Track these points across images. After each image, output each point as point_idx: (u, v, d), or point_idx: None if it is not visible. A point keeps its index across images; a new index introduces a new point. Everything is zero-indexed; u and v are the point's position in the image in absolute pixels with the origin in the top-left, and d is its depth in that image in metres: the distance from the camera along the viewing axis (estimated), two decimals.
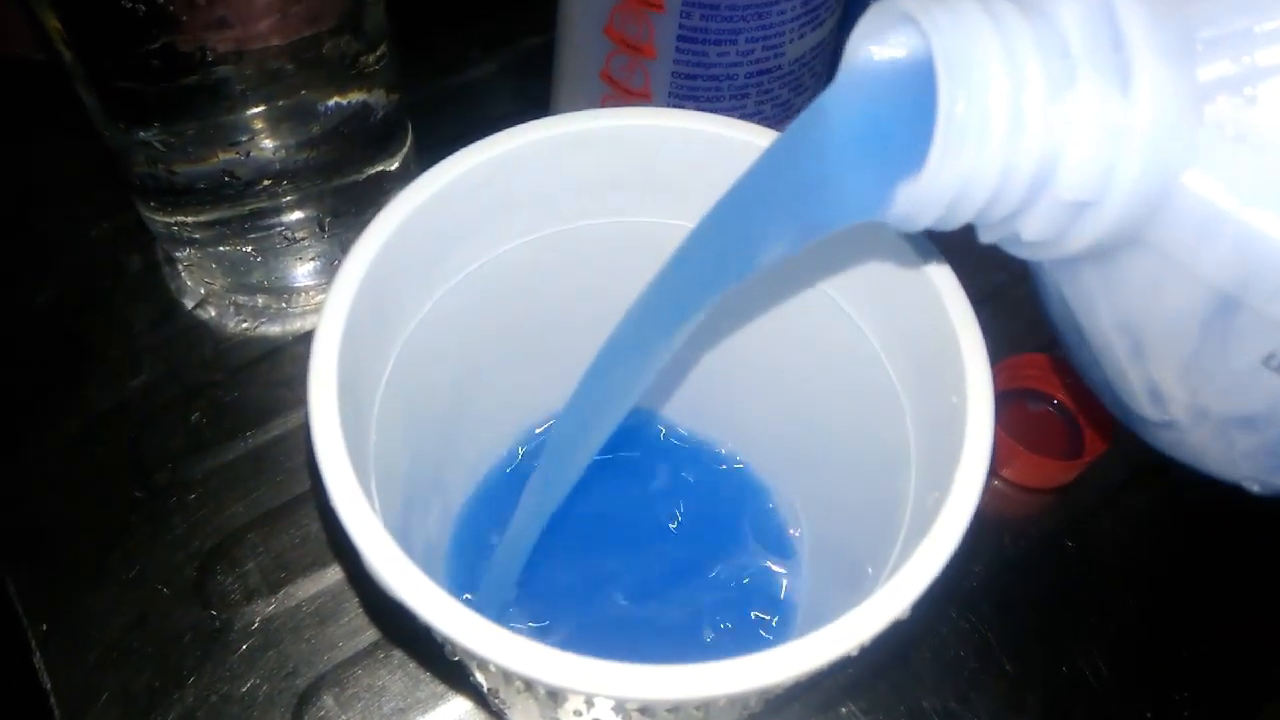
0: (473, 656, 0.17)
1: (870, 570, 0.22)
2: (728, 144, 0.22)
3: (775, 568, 0.27)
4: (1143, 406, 0.18)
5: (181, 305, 0.35)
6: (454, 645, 0.17)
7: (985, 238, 0.17)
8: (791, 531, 0.28)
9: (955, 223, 0.16)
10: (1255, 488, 0.18)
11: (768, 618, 0.27)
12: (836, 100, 0.17)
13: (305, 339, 0.35)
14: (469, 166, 0.21)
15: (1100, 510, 0.33)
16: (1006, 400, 0.34)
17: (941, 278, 0.21)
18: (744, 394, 0.28)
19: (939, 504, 0.18)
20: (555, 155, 0.22)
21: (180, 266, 0.36)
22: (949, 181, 0.15)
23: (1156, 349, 0.16)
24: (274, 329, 0.35)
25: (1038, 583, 0.32)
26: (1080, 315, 0.17)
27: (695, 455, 0.29)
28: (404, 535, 0.24)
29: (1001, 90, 0.14)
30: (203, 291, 0.36)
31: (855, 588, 0.22)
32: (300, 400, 0.34)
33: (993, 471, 0.33)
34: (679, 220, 0.25)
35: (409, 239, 0.21)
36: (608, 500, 0.28)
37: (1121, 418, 0.19)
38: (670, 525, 0.28)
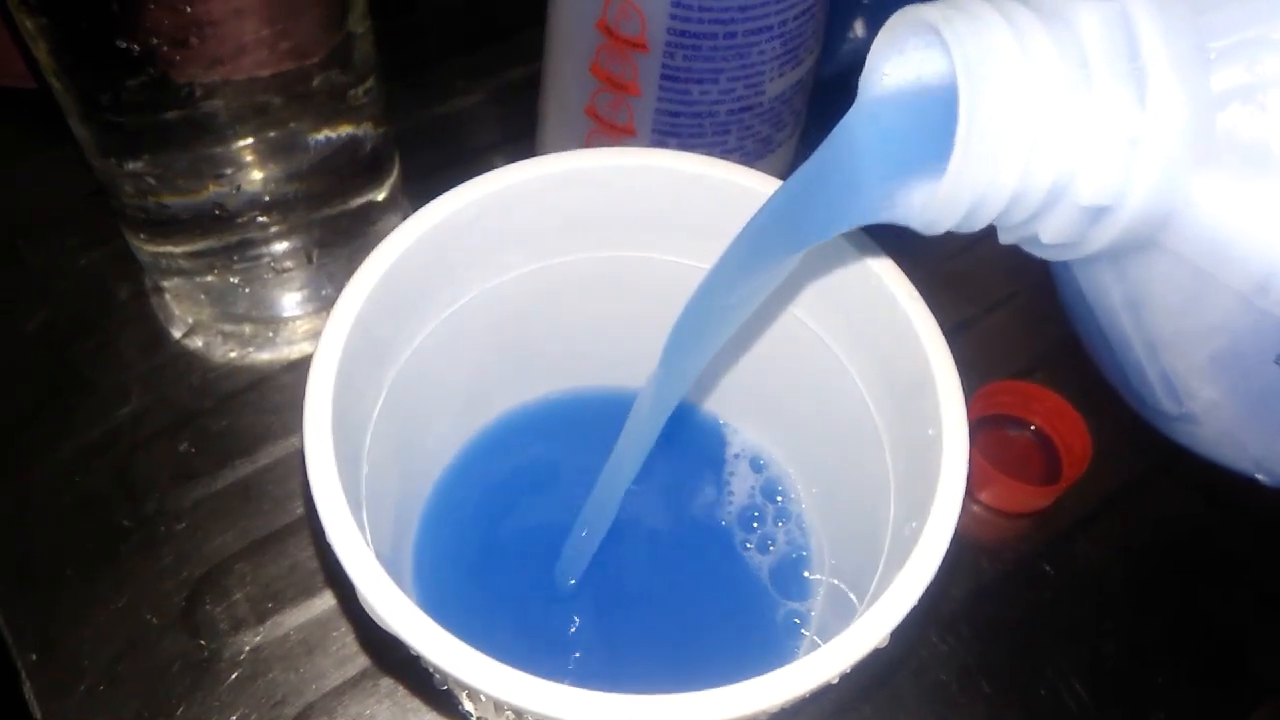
0: (464, 686, 0.17)
1: (853, 596, 0.22)
2: (711, 182, 0.23)
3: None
4: (1160, 401, 0.18)
5: (170, 334, 0.36)
6: (446, 676, 0.18)
7: (1005, 239, 0.17)
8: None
9: (976, 225, 0.16)
10: (1266, 479, 0.19)
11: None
12: (860, 112, 0.17)
13: (293, 368, 0.36)
14: (461, 204, 0.22)
15: (1077, 535, 0.34)
16: (985, 426, 0.35)
17: (917, 314, 0.21)
18: (733, 420, 0.29)
19: (916, 533, 0.19)
20: (544, 193, 0.23)
21: (168, 296, 0.36)
22: (969, 188, 0.15)
23: (1172, 347, 0.17)
24: (262, 358, 0.36)
25: (1016, 606, 0.32)
26: (1099, 312, 0.18)
27: None
28: (394, 563, 0.24)
29: (1020, 100, 0.14)
30: (191, 321, 0.36)
31: (841, 614, 0.22)
32: (288, 429, 0.34)
33: (971, 496, 0.33)
34: (665, 255, 0.25)
35: (401, 276, 0.22)
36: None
37: (1138, 409, 0.20)
38: (663, 551, 0.28)
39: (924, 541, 0.19)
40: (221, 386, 0.35)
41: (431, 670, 0.21)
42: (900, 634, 0.28)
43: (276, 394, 0.35)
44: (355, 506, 0.19)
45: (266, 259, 0.34)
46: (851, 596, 0.22)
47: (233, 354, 0.36)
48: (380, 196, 0.36)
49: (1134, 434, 0.36)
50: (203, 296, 0.35)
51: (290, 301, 0.36)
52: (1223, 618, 0.33)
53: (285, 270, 0.35)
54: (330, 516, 0.18)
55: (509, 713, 0.19)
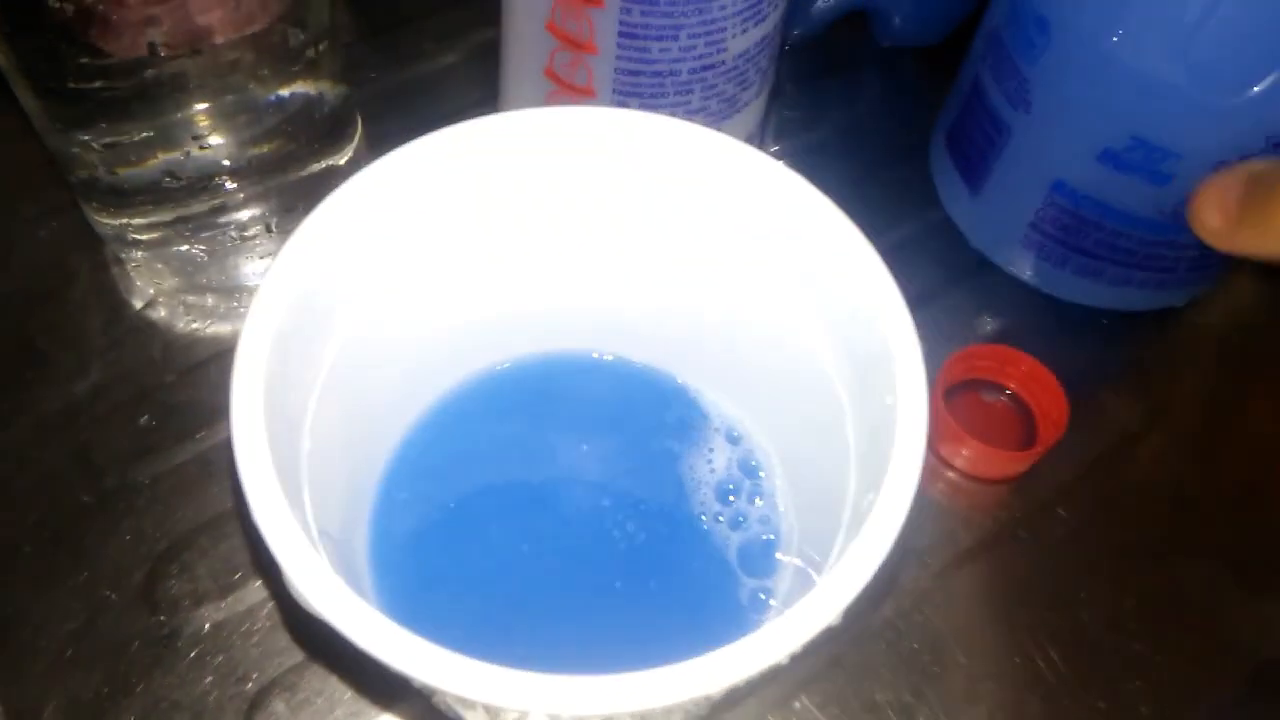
0: (400, 675, 0.17)
1: (818, 567, 0.22)
2: (667, 140, 0.22)
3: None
4: None
5: (130, 306, 0.35)
6: (382, 665, 0.17)
7: None
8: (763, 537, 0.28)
9: None
10: None
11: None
12: None
13: None
14: (406, 165, 0.21)
15: (1054, 501, 0.33)
16: (961, 391, 0.34)
17: (878, 280, 0.20)
18: (703, 387, 0.28)
19: (871, 507, 0.18)
20: (496, 152, 0.22)
21: (128, 267, 0.35)
22: None
23: None
24: (224, 329, 0.35)
25: (991, 574, 0.32)
26: None
27: None
28: (346, 543, 0.24)
29: None
30: (151, 292, 0.35)
31: (807, 583, 0.22)
32: None
33: (945, 463, 0.33)
34: (631, 218, 0.24)
35: (343, 239, 0.21)
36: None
37: None
38: (626, 528, 0.28)
39: (878, 513, 0.18)
40: (183, 358, 0.34)
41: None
42: (873, 603, 0.28)
43: None
44: (292, 483, 0.19)
45: (228, 227, 0.33)
46: (814, 575, 0.22)
47: (194, 325, 0.35)
48: (342, 161, 0.35)
49: (1111, 398, 0.36)
50: (163, 267, 0.34)
51: (253, 271, 0.35)
52: (1201, 586, 0.32)
53: (247, 239, 0.34)
54: (257, 494, 0.17)
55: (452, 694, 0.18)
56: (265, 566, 0.30)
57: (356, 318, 0.23)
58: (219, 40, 0.28)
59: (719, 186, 0.23)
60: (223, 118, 0.31)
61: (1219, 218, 0.25)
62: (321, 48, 0.31)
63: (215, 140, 0.31)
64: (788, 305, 0.24)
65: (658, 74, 0.28)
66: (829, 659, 0.30)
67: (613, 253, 0.25)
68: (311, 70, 0.31)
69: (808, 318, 0.23)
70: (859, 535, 0.18)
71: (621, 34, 0.27)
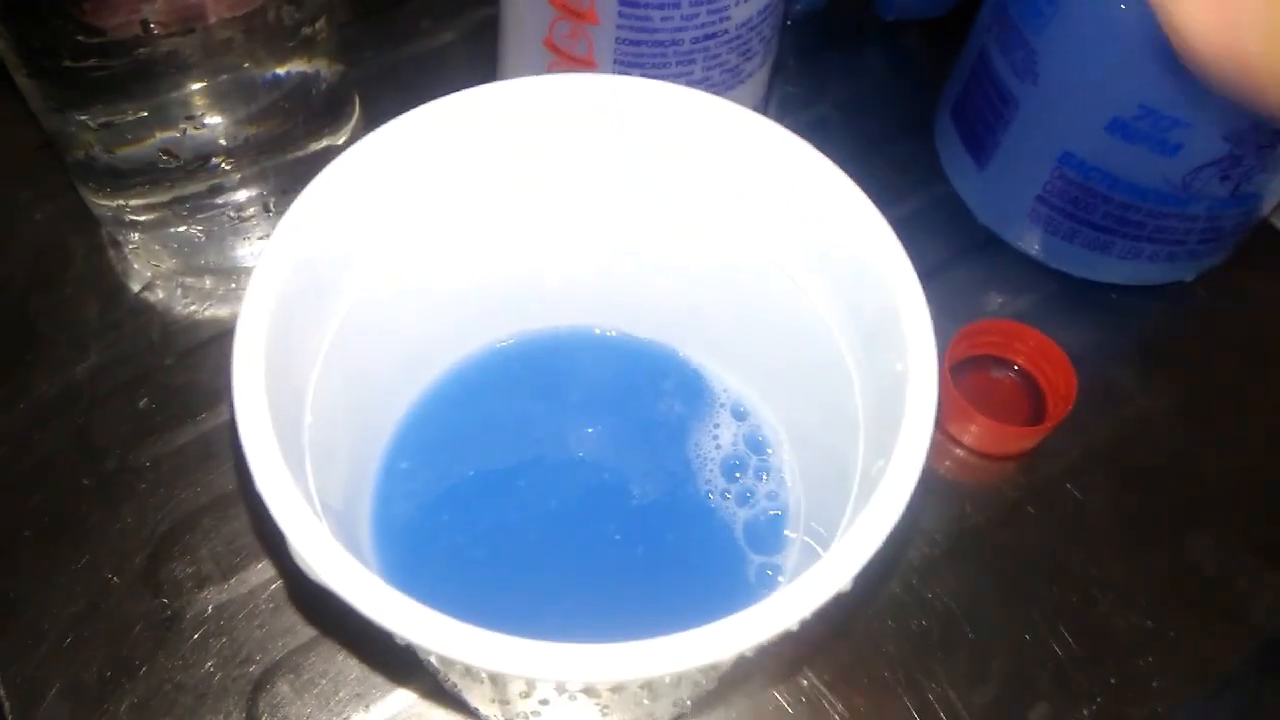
0: (408, 644, 0.17)
1: (827, 537, 0.21)
2: (673, 107, 0.22)
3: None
4: None
5: (128, 289, 0.35)
6: (390, 635, 0.17)
7: None
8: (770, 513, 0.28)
9: None
10: None
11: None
12: None
13: None
14: (413, 129, 0.21)
15: (1063, 477, 0.33)
16: (968, 367, 0.34)
17: (885, 247, 0.20)
18: (708, 362, 0.28)
19: (882, 473, 0.18)
20: (496, 121, 0.22)
21: (126, 249, 0.35)
22: None
23: None
24: (223, 311, 0.35)
25: (1000, 550, 0.32)
26: None
27: None
28: (349, 516, 0.24)
29: None
30: (149, 274, 0.35)
31: (813, 558, 0.22)
32: None
33: (954, 440, 0.33)
34: (635, 188, 0.24)
35: (345, 208, 0.20)
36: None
37: None
38: (632, 504, 0.28)
39: (889, 478, 0.18)
40: (181, 340, 0.34)
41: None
42: (882, 579, 0.27)
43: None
44: (294, 456, 0.18)
45: (225, 208, 0.33)
46: (822, 545, 0.21)
47: (193, 307, 0.35)
48: (340, 141, 0.34)
49: (1120, 373, 0.35)
50: (161, 249, 0.34)
51: (251, 252, 0.34)
52: (1209, 561, 0.32)
53: (245, 220, 0.34)
54: (261, 467, 0.17)
55: (459, 666, 0.18)
56: (269, 547, 0.30)
57: (358, 290, 0.22)
58: (213, 18, 0.28)
59: (721, 152, 0.22)
60: (219, 96, 0.30)
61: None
62: (318, 25, 0.31)
63: (212, 119, 0.30)
64: (793, 273, 0.23)
65: (659, 43, 0.28)
66: (837, 635, 0.30)
67: (615, 222, 0.25)
68: (307, 48, 0.31)
69: (813, 285, 0.23)
70: (870, 502, 0.17)
71: (623, 2, 0.27)
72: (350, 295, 0.22)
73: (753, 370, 0.27)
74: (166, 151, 0.30)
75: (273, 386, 0.18)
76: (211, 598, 0.30)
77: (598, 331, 0.28)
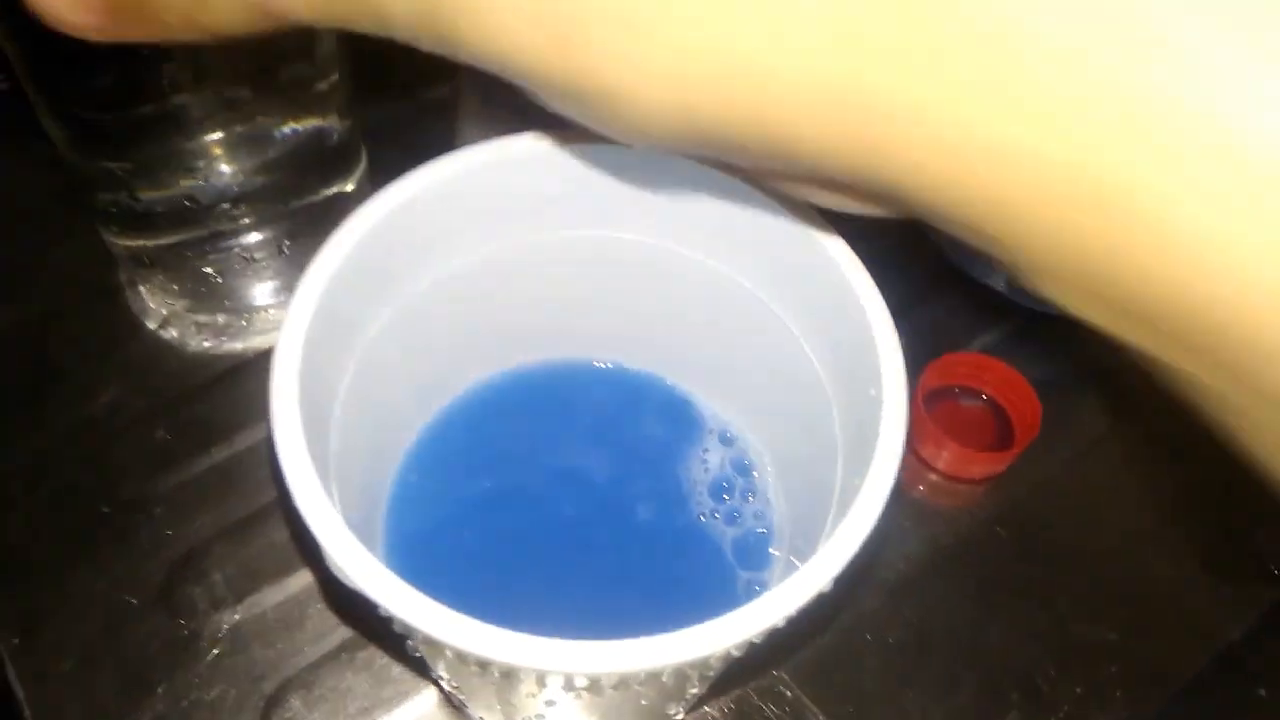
0: (431, 641, 0.18)
1: (808, 553, 0.23)
2: (667, 163, 0.24)
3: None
4: None
5: (144, 325, 0.36)
6: (414, 632, 0.19)
7: None
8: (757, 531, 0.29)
9: None
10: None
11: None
12: None
13: (267, 356, 0.36)
14: (425, 184, 0.23)
15: (1029, 499, 0.35)
16: (939, 397, 0.36)
17: (859, 282, 0.22)
18: (696, 391, 0.30)
19: (858, 488, 0.20)
20: (507, 174, 0.24)
21: (142, 288, 0.37)
22: None
23: None
24: (236, 346, 0.36)
25: (971, 567, 0.34)
26: None
27: None
28: (365, 537, 0.25)
29: None
30: (165, 312, 0.37)
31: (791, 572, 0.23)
32: (263, 415, 0.35)
33: (927, 465, 0.35)
34: (624, 234, 0.26)
35: (366, 255, 0.22)
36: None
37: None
38: (626, 523, 0.29)
39: (866, 490, 0.19)
40: (196, 375, 0.36)
41: (401, 632, 0.22)
42: (860, 598, 0.29)
43: (250, 381, 0.36)
44: (324, 478, 0.20)
45: (238, 250, 0.35)
46: (803, 560, 0.23)
47: (207, 344, 0.36)
48: (349, 188, 0.36)
49: (1082, 401, 0.38)
50: (176, 288, 0.36)
51: (263, 291, 0.36)
52: (1169, 576, 0.34)
53: (257, 261, 0.35)
54: (299, 486, 0.19)
55: (474, 666, 0.20)
56: (280, 571, 0.32)
57: (377, 327, 0.24)
58: (234, 72, 0.30)
59: (706, 199, 0.25)
60: (234, 147, 0.32)
61: (89, 13, 0.17)
62: (331, 82, 0.33)
63: (228, 168, 0.32)
64: (777, 309, 0.25)
65: None
66: (818, 647, 0.31)
67: (610, 262, 0.27)
68: (321, 104, 0.33)
69: (795, 319, 0.25)
70: (848, 513, 0.19)
71: None
72: (370, 331, 0.24)
73: (739, 398, 0.29)
74: (186, 197, 0.32)
75: (305, 415, 0.20)
76: (226, 619, 0.31)
77: (595, 363, 0.30)
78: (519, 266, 0.27)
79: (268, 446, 0.34)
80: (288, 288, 0.37)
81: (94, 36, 0.18)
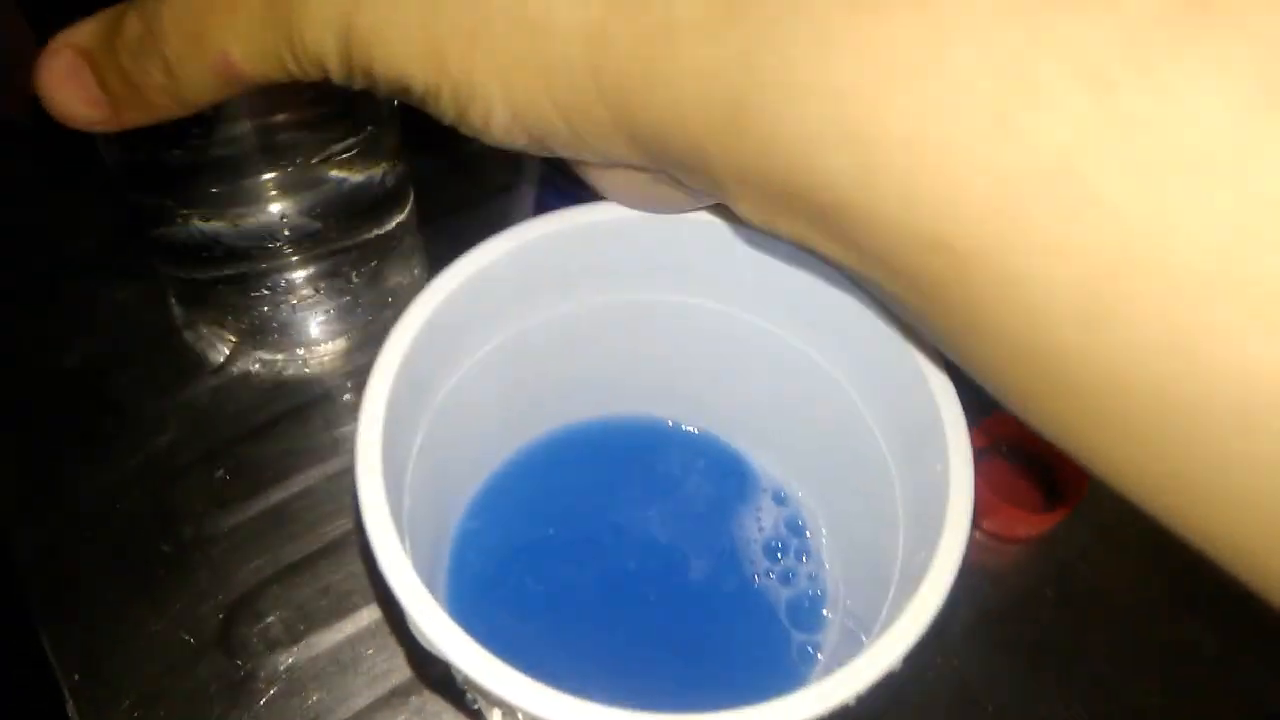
0: (505, 706, 0.19)
1: (867, 620, 0.24)
2: (722, 231, 0.24)
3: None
4: None
5: (205, 365, 0.37)
6: (488, 697, 0.19)
7: None
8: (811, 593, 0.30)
9: None
10: None
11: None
12: None
13: (324, 395, 0.37)
14: (500, 253, 0.23)
15: (1077, 560, 0.35)
16: (986, 456, 0.36)
17: (923, 355, 0.23)
18: (758, 454, 0.30)
19: (926, 563, 0.20)
20: (582, 241, 0.24)
21: (202, 328, 0.38)
22: None
23: None
24: (292, 386, 0.37)
25: (1015, 626, 0.34)
26: None
27: None
28: (431, 581, 0.26)
29: None
30: (225, 351, 0.37)
31: (852, 648, 0.24)
32: (319, 456, 0.35)
33: (975, 524, 0.35)
34: (679, 297, 0.27)
35: (441, 323, 0.23)
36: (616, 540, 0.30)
37: None
38: (681, 580, 0.30)
39: (934, 567, 0.20)
40: (255, 415, 0.36)
41: (465, 688, 0.23)
42: (908, 658, 0.29)
43: (308, 421, 0.36)
44: (402, 541, 0.21)
45: (291, 287, 0.36)
46: (862, 636, 0.24)
47: (265, 383, 0.37)
48: (393, 226, 0.37)
49: None
50: (232, 322, 0.37)
51: (317, 326, 0.37)
52: (1215, 640, 0.34)
53: (309, 299, 0.36)
54: (383, 550, 0.19)
55: None
56: (334, 614, 0.32)
57: (447, 388, 0.25)
58: (292, 121, 0.31)
59: (771, 259, 0.25)
60: (286, 188, 0.33)
61: (93, 108, 0.20)
62: (384, 132, 0.34)
63: (277, 207, 0.33)
64: (835, 375, 0.26)
65: None
66: (861, 711, 0.32)
67: (673, 324, 0.28)
68: (373, 153, 0.34)
69: (855, 388, 0.26)
70: (917, 592, 0.20)
71: None
72: (441, 393, 0.25)
73: (793, 459, 0.30)
74: (238, 234, 0.33)
75: (386, 475, 0.21)
76: (281, 660, 0.32)
77: (653, 420, 0.31)
78: (586, 326, 0.27)
79: (323, 488, 0.35)
80: (342, 325, 0.37)
81: (100, 128, 0.20)
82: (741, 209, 0.18)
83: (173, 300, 0.38)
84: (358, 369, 0.37)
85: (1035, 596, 0.34)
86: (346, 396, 0.37)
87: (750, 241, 0.24)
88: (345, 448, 0.36)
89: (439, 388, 0.25)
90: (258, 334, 0.37)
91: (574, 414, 0.31)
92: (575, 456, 0.30)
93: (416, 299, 0.23)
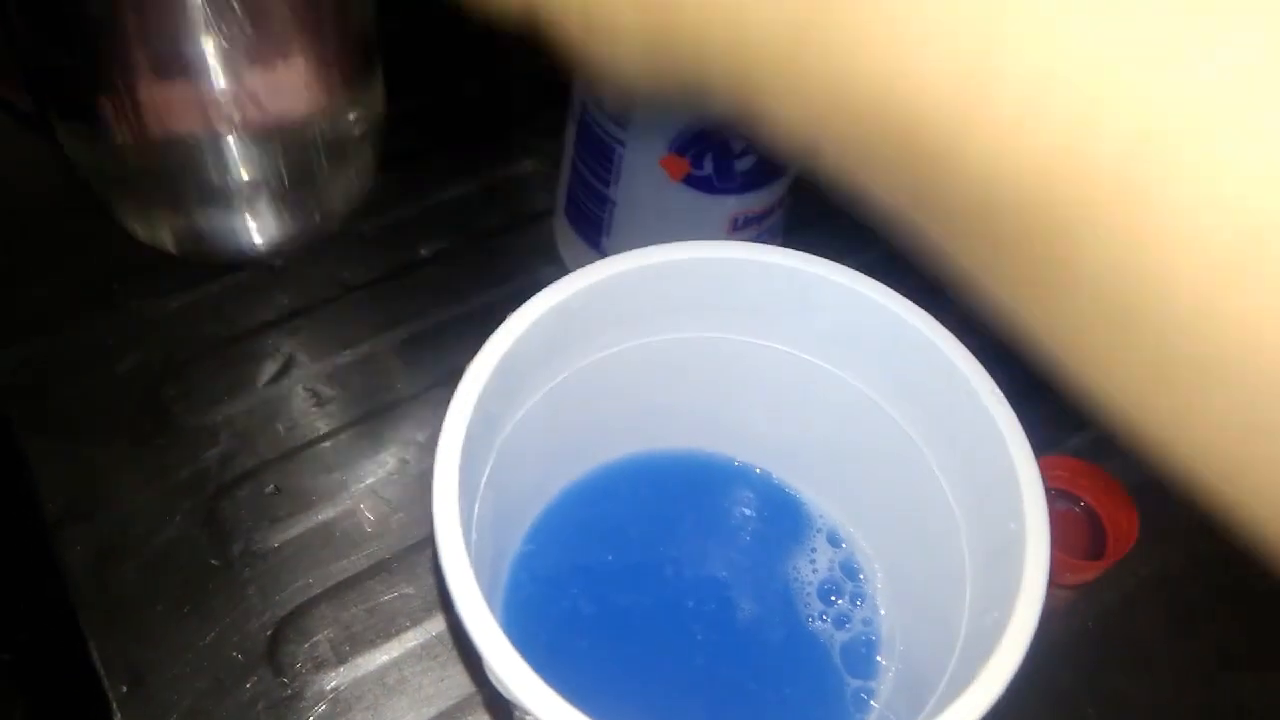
0: None
1: (928, 672, 0.24)
2: (780, 271, 0.24)
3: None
4: None
5: (257, 380, 0.37)
6: None
7: None
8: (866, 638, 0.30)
9: None
10: None
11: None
12: None
13: (375, 414, 0.37)
14: (571, 292, 0.24)
15: (1123, 607, 0.35)
16: None
17: (1000, 412, 0.23)
18: (816, 498, 0.30)
19: (999, 625, 0.20)
20: (654, 280, 0.24)
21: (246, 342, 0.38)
22: None
23: None
24: (342, 403, 0.37)
25: (1058, 672, 0.34)
26: None
27: None
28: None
29: None
30: (276, 367, 0.38)
31: (909, 692, 0.24)
32: (368, 474, 0.35)
33: None
34: (737, 335, 0.27)
35: (515, 360, 0.23)
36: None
37: None
38: (734, 619, 0.30)
39: (1011, 631, 0.20)
40: (304, 431, 0.36)
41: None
42: None
43: (359, 439, 0.36)
44: (478, 580, 0.21)
45: None
46: (922, 679, 0.24)
47: (313, 401, 0.37)
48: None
49: (1182, 516, 0.37)
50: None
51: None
52: (1257, 694, 0.34)
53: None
54: (463, 597, 0.19)
55: None
56: (382, 635, 0.32)
57: (514, 420, 0.25)
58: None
59: (839, 316, 0.25)
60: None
61: None
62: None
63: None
64: (903, 425, 0.26)
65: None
66: None
67: (736, 363, 0.28)
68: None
69: (920, 435, 0.26)
70: (996, 650, 0.20)
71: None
72: (508, 426, 0.25)
73: (851, 503, 0.30)
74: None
75: (462, 510, 0.21)
76: (328, 680, 0.32)
77: (710, 456, 0.31)
78: (652, 362, 0.27)
79: (373, 507, 0.35)
80: None
81: None
82: (781, 122, 0.16)
83: (228, 313, 0.38)
84: (409, 386, 0.38)
85: (1079, 644, 0.34)
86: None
87: (822, 287, 0.25)
88: (394, 466, 0.36)
89: (507, 422, 0.25)
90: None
91: (633, 445, 0.31)
92: (632, 487, 0.30)
93: (491, 336, 0.23)
